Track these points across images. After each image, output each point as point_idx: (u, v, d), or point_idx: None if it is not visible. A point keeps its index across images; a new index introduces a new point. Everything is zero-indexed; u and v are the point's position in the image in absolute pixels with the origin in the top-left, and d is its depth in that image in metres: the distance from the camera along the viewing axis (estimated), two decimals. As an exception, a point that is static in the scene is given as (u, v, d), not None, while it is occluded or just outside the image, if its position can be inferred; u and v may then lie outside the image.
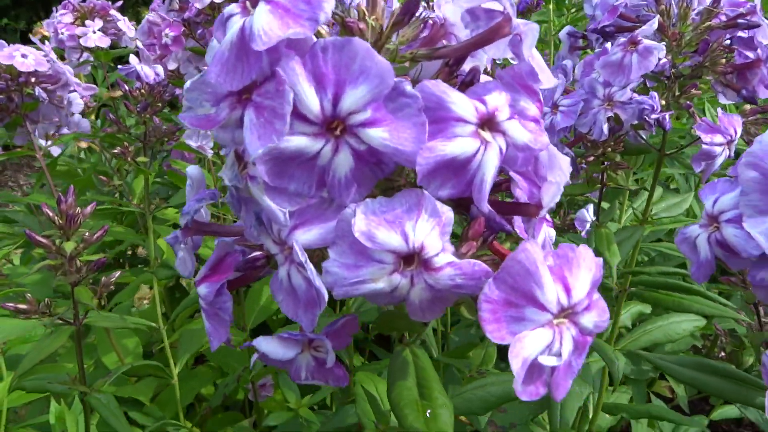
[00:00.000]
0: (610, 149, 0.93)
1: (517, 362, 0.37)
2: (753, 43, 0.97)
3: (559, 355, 0.39)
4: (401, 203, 0.41)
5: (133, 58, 1.33)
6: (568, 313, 0.40)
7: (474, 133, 0.41)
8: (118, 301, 1.51)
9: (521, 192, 0.47)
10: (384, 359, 1.43)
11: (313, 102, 0.39)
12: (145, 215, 1.26)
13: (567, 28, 1.23)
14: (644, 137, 1.05)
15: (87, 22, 1.58)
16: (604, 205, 1.22)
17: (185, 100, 0.44)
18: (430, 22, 0.54)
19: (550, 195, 0.45)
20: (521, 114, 0.46)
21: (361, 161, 0.41)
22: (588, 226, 1.26)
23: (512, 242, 0.51)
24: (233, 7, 0.42)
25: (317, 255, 0.44)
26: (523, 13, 2.56)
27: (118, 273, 0.81)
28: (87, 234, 0.74)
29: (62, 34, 1.57)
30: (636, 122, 0.90)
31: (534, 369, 0.39)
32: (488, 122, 0.42)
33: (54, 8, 1.73)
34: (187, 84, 0.44)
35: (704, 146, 0.86)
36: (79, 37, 1.55)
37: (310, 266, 0.41)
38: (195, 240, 0.60)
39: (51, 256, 0.73)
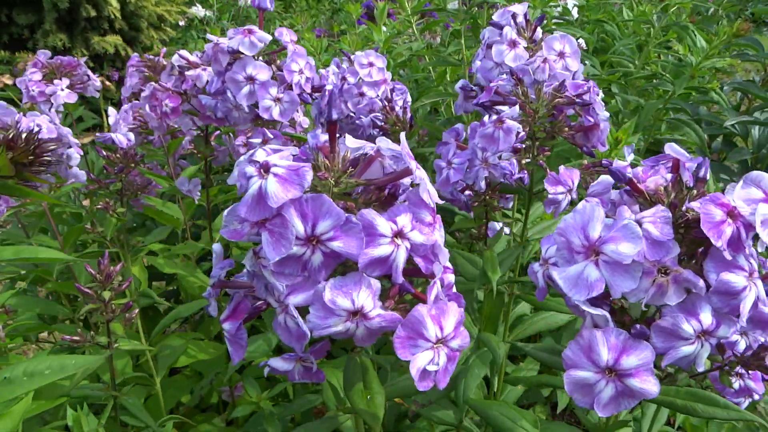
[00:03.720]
0: (488, 197, 1.28)
1: (413, 370, 0.70)
2: (591, 112, 1.34)
3: (437, 364, 0.72)
4: (351, 280, 0.73)
5: (111, 111, 1.57)
6: (442, 341, 0.73)
7: (390, 242, 0.73)
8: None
9: (421, 266, 0.80)
10: (338, 358, 1.72)
11: (300, 229, 0.71)
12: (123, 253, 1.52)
13: (461, 82, 1.56)
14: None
15: (55, 81, 1.79)
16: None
17: (224, 221, 0.75)
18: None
19: (437, 269, 0.78)
20: (421, 221, 0.78)
21: (328, 257, 0.73)
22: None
23: (423, 287, 0.84)
24: (252, 170, 0.72)
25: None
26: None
27: (137, 310, 1.09)
28: (116, 285, 1.02)
29: (33, 91, 1.76)
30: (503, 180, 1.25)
31: (425, 373, 0.72)
32: (399, 234, 0.74)
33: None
34: (225, 212, 0.75)
35: (550, 195, 1.22)
36: (49, 95, 1.76)
37: (299, 318, 0.73)
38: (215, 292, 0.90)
39: (92, 301, 1.01)
